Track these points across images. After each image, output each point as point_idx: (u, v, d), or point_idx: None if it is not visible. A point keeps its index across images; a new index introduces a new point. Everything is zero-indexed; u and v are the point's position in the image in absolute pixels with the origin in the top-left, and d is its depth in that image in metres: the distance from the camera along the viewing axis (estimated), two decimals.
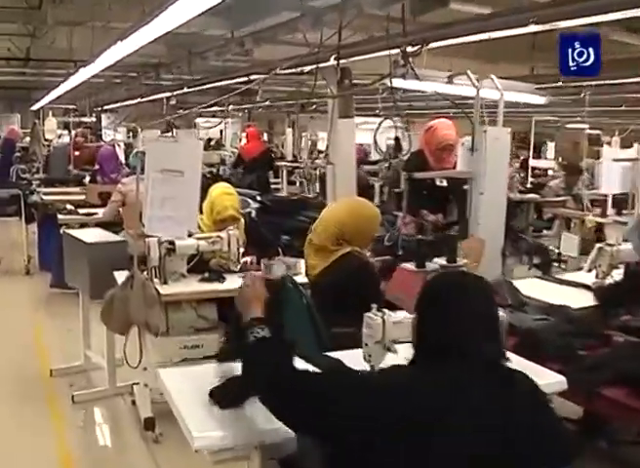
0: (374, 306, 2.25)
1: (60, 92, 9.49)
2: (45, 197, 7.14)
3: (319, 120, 13.16)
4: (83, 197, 6.96)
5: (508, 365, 1.65)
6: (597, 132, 13.92)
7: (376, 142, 4.61)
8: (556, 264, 5.96)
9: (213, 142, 13.07)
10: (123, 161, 7.82)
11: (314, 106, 11.33)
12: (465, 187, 4.64)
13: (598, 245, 3.86)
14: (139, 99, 10.58)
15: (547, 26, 4.07)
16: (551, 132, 16.91)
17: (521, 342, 2.79)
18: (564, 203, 7.70)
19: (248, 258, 3.88)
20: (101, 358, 4.26)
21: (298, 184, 12.72)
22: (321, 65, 4.99)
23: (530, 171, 10.46)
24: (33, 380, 4.38)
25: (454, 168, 5.01)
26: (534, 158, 11.22)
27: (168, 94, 9.42)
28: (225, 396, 2.09)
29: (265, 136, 16.88)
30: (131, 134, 14.63)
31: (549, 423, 1.61)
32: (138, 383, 3.80)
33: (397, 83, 4.59)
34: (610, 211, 6.98)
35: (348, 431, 1.54)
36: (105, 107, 12.93)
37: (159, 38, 5.01)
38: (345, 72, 5.15)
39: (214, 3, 3.70)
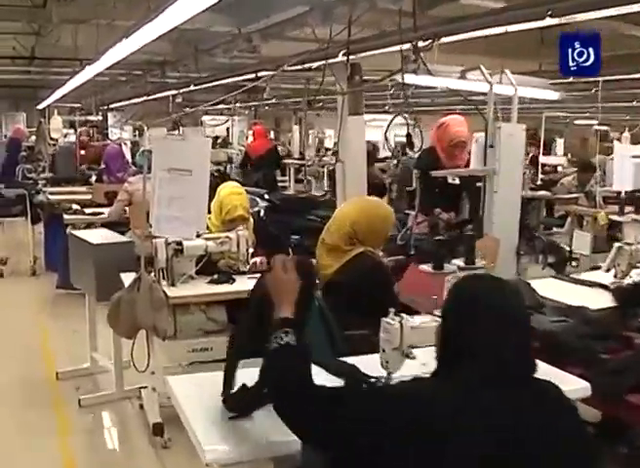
0: (391, 310, 2.16)
1: (65, 90, 9.42)
2: (51, 197, 7.07)
3: (326, 117, 13.09)
4: (89, 196, 6.90)
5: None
6: (606, 128, 13.80)
7: (387, 139, 4.48)
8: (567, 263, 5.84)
9: (220, 140, 12.99)
10: (129, 160, 7.74)
11: (321, 103, 11.24)
12: (479, 185, 4.56)
13: (617, 244, 3.76)
14: (145, 97, 10.51)
15: (564, 19, 4.00)
16: (560, 128, 16.80)
17: (540, 345, 2.69)
18: (576, 200, 7.58)
19: (257, 259, 3.79)
20: (108, 360, 4.18)
21: (305, 182, 12.65)
22: (330, 61, 4.90)
23: (540, 167, 10.33)
24: (39, 383, 4.31)
25: (466, 165, 4.93)
26: (543, 154, 11.09)
27: (174, 91, 9.35)
28: (239, 404, 2.01)
29: (272, 134, 16.79)
30: (137, 132, 14.60)
31: (567, 425, 1.54)
32: (145, 387, 3.72)
33: (409, 79, 4.50)
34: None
35: (358, 434, 1.51)
36: (111, 106, 12.86)
37: (164, 35, 4.94)
38: (355, 68, 5.04)
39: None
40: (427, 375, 1.65)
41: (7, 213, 7.34)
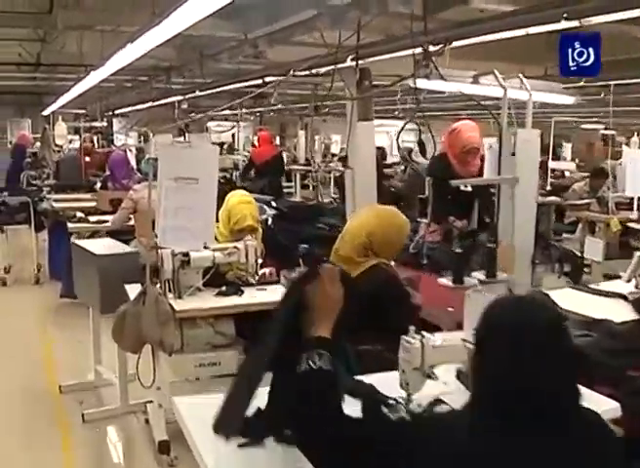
0: (411, 328, 2.04)
1: (70, 96, 9.35)
2: (55, 204, 6.98)
3: (332, 123, 12.99)
4: (94, 204, 6.80)
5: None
6: (612, 132, 13.65)
7: (399, 147, 4.36)
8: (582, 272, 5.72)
9: (225, 146, 12.90)
10: (134, 166, 7.64)
11: (327, 109, 11.14)
12: (493, 192, 4.44)
13: (638, 253, 3.63)
14: (150, 103, 10.43)
15: (578, 23, 3.89)
16: (565, 132, 16.68)
17: None
18: (588, 206, 7.47)
19: (266, 270, 3.68)
20: (113, 374, 4.07)
21: (311, 188, 12.54)
22: (339, 66, 4.79)
23: (549, 173, 10.20)
24: (42, 397, 4.20)
25: (479, 171, 4.82)
26: (552, 160, 10.97)
27: (179, 97, 9.26)
28: (252, 429, 1.89)
29: (278, 140, 16.70)
30: (142, 138, 14.53)
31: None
32: (151, 401, 3.61)
33: (420, 84, 4.39)
34: (635, 214, 6.76)
35: None
36: (117, 112, 12.79)
37: (170, 40, 4.86)
38: (365, 73, 4.94)
39: (224, 3, 3.54)
40: (458, 409, 1.51)
41: (11, 220, 7.26)
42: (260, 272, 3.59)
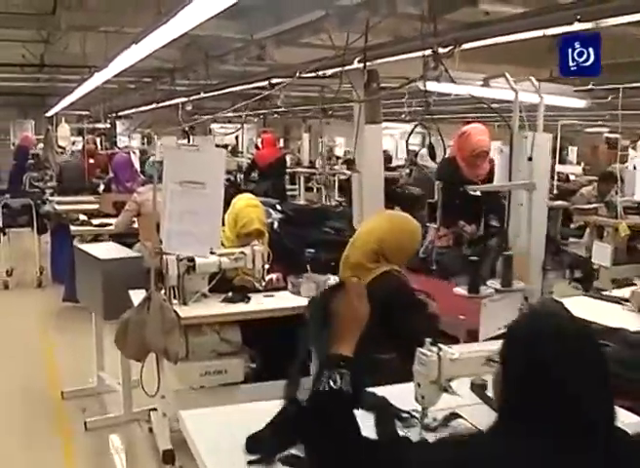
0: (428, 340, 1.96)
1: (73, 98, 9.29)
2: (58, 206, 6.91)
3: (335, 125, 12.92)
4: (97, 206, 6.72)
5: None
6: (617, 135, 13.56)
7: (408, 150, 4.28)
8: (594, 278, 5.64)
9: (229, 149, 12.84)
10: (138, 169, 7.58)
11: (331, 111, 11.08)
12: (502, 196, 4.37)
13: None
14: (153, 105, 10.36)
15: (591, 24, 3.82)
16: (569, 135, 16.61)
17: None
18: (596, 210, 7.39)
19: (273, 275, 3.61)
20: (116, 380, 4.00)
21: (315, 191, 12.47)
22: (347, 68, 4.72)
23: (556, 176, 10.12)
24: (44, 403, 4.13)
25: (488, 175, 4.75)
26: (558, 163, 10.89)
27: (183, 99, 9.19)
28: (263, 445, 1.81)
29: (282, 142, 16.65)
30: (145, 140, 14.46)
31: None
32: (155, 409, 3.53)
33: (430, 86, 4.32)
34: None
35: None
36: (120, 113, 12.73)
37: (175, 41, 4.79)
38: (372, 75, 4.87)
39: (230, 2, 3.47)
40: (482, 430, 1.42)
41: (13, 223, 7.20)
42: (267, 278, 3.51)
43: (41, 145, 10.80)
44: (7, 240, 7.28)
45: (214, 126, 13.40)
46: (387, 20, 4.59)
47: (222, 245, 3.61)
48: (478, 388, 2.33)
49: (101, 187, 7.70)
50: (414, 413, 2.06)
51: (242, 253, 3.37)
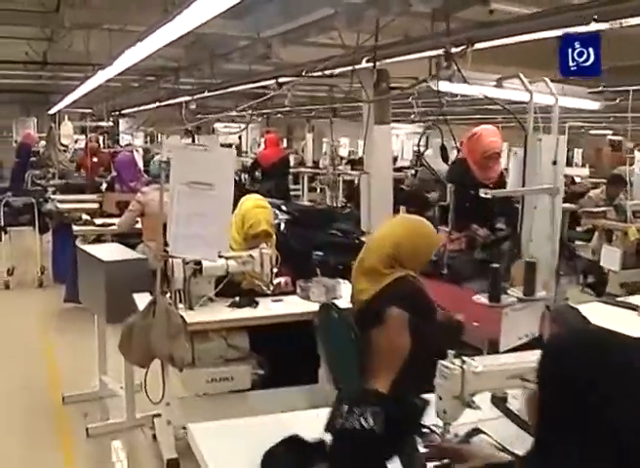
0: (450, 353, 1.86)
1: (76, 95, 9.21)
2: (60, 205, 6.82)
3: (339, 125, 12.82)
4: (97, 205, 6.63)
5: None
6: (620, 138, 13.49)
7: (419, 153, 4.19)
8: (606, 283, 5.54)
9: (233, 148, 12.74)
10: (142, 168, 7.48)
11: (334, 112, 10.99)
12: (514, 199, 4.28)
13: None
14: (157, 104, 10.27)
15: (608, 25, 3.73)
16: (574, 138, 16.52)
17: None
18: (605, 214, 7.29)
19: (282, 279, 3.51)
20: (118, 384, 3.90)
21: (318, 191, 12.39)
22: (357, 67, 4.62)
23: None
24: (44, 408, 4.03)
25: (499, 177, 4.67)
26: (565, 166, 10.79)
27: (187, 98, 9.10)
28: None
29: (285, 142, 16.56)
30: (148, 138, 14.37)
31: None
32: (159, 415, 3.43)
33: (442, 86, 4.23)
34: None
35: None
36: (123, 112, 12.64)
37: (180, 39, 4.71)
38: (382, 75, 4.77)
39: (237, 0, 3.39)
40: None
41: (14, 221, 7.10)
42: (276, 281, 3.42)
43: (43, 143, 10.72)
44: (8, 239, 7.19)
45: (217, 125, 13.30)
46: (397, 19, 4.50)
47: (230, 247, 3.52)
48: (499, 401, 2.24)
49: (104, 186, 7.60)
50: (434, 428, 1.97)
51: (250, 256, 3.28)
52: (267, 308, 3.25)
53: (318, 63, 5.31)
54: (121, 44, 5.82)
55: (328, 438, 1.41)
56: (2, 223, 7.04)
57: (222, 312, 3.17)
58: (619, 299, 3.95)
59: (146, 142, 14.02)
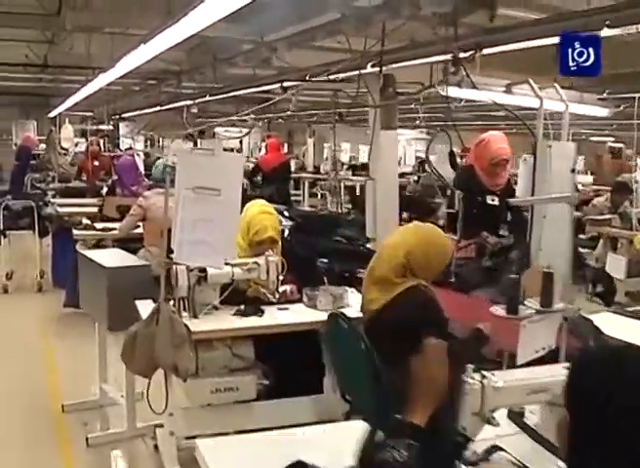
0: (469, 367, 1.79)
1: (77, 98, 9.16)
2: (60, 209, 6.75)
3: (340, 130, 12.76)
4: (96, 209, 6.54)
5: None
6: (620, 145, 13.47)
7: (428, 159, 4.12)
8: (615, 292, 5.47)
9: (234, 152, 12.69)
10: (143, 172, 7.42)
11: (337, 116, 10.93)
12: (523, 208, 4.22)
13: None
14: (158, 107, 10.22)
15: (619, 30, 3.68)
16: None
17: None
18: (610, 222, 7.24)
19: (287, 287, 3.43)
20: (119, 392, 3.82)
21: (319, 197, 12.34)
22: (364, 72, 4.56)
23: None
24: (43, 417, 3.95)
25: (507, 184, 4.61)
26: None
27: (189, 102, 9.04)
28: None
29: (285, 147, 16.52)
30: (149, 142, 14.32)
31: None
32: (161, 426, 3.35)
33: (444, 91, 4.18)
34: None
35: None
36: (123, 115, 12.59)
37: (183, 42, 4.66)
38: (389, 79, 4.72)
39: (244, 2, 3.34)
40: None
41: (14, 225, 7.02)
42: (281, 289, 3.34)
43: (43, 146, 10.66)
44: (7, 242, 7.11)
45: (218, 129, 13.25)
46: (402, 23, 4.45)
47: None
48: (516, 416, 2.17)
49: (104, 190, 7.53)
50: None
51: (255, 263, 3.21)
52: (273, 317, 3.17)
53: (323, 68, 5.26)
54: (123, 47, 5.78)
55: None
56: (1, 227, 6.96)
57: (228, 321, 3.09)
58: (629, 309, 3.90)
59: (146, 146, 13.95)
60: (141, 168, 7.33)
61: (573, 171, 3.46)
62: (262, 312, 3.18)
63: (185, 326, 2.86)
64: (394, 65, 4.74)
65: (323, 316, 3.11)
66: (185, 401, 3.07)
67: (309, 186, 12.53)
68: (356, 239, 4.90)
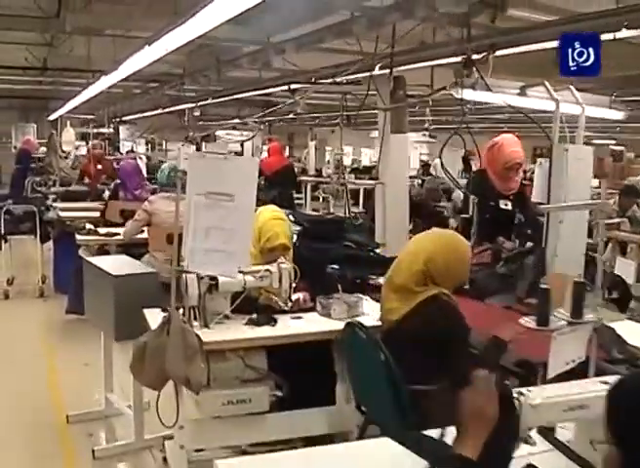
0: (507, 383, 1.70)
1: (78, 101, 9.07)
2: (62, 213, 6.64)
3: (339, 133, 12.67)
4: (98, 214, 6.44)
5: None
6: (621, 148, 13.42)
7: (442, 164, 4.02)
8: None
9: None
10: (145, 175, 7.31)
11: (337, 119, 10.86)
12: (537, 212, 4.14)
13: None
14: (160, 110, 10.13)
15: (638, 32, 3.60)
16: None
17: None
18: (618, 225, 7.14)
19: (300, 295, 3.34)
20: (125, 402, 3.73)
21: (321, 200, 12.21)
22: (374, 74, 4.48)
23: None
24: (47, 428, 3.83)
25: (520, 188, 4.52)
26: None
27: (191, 104, 8.96)
28: None
29: (287, 150, 16.42)
30: (149, 145, 14.22)
31: None
32: (170, 437, 3.24)
33: (456, 94, 4.09)
34: None
35: None
36: (125, 118, 12.49)
37: (188, 44, 4.58)
38: (399, 82, 4.63)
39: (253, 3, 3.25)
40: None
41: (15, 230, 6.92)
42: (294, 297, 3.24)
43: (43, 149, 10.56)
44: (8, 247, 7.00)
45: (220, 132, 13.15)
46: (412, 26, 4.36)
47: None
48: (547, 432, 2.07)
49: (106, 194, 7.42)
50: None
51: (268, 270, 3.11)
52: (287, 326, 3.07)
53: (331, 70, 5.17)
54: (125, 49, 5.70)
55: None
56: (2, 231, 6.85)
57: (240, 330, 2.99)
58: None
59: (147, 150, 13.85)
60: (144, 171, 7.22)
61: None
62: (275, 321, 3.08)
63: (197, 336, 2.76)
64: (404, 67, 4.65)
65: (338, 325, 3.02)
66: (196, 413, 2.97)
67: (312, 189, 12.40)
68: (366, 244, 4.79)
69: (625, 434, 1.14)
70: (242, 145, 14.20)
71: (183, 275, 2.96)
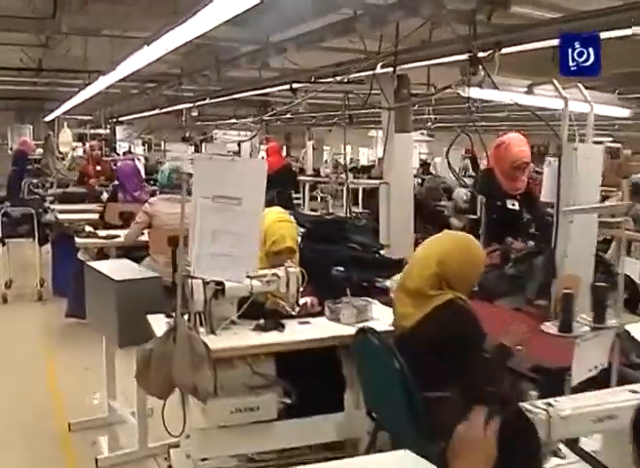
0: (532, 394, 1.63)
1: (75, 102, 8.99)
2: (60, 215, 6.56)
3: (337, 133, 12.61)
4: (97, 216, 6.35)
5: None
6: (617, 145, 13.38)
7: (449, 163, 3.96)
8: None
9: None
10: (144, 176, 7.23)
11: (335, 118, 10.80)
12: (546, 211, 4.08)
13: None
14: (157, 111, 10.04)
15: None
16: None
17: None
18: (622, 224, 7.09)
19: (307, 299, 3.26)
20: (129, 409, 3.65)
21: (319, 200, 12.15)
22: (377, 72, 4.40)
23: None
24: (49, 437, 3.74)
25: (527, 187, 4.47)
26: None
27: (189, 105, 8.88)
28: None
29: (284, 150, 16.35)
30: (146, 146, 14.12)
31: None
32: (176, 446, 3.16)
33: (462, 92, 4.03)
34: None
35: None
36: (121, 119, 12.41)
37: (187, 43, 4.52)
38: (403, 81, 4.56)
39: (252, 4, 3.20)
40: None
41: (13, 232, 6.83)
42: (301, 302, 3.17)
43: (40, 150, 10.47)
44: (6, 250, 6.91)
45: (217, 133, 13.08)
46: (415, 24, 4.30)
47: None
48: (571, 442, 2.01)
49: (105, 196, 7.35)
50: None
51: (275, 275, 3.03)
52: (295, 331, 3.00)
53: (332, 69, 5.10)
54: (122, 50, 5.64)
55: None
56: (0, 234, 6.76)
57: (247, 337, 2.91)
58: None
59: (144, 150, 13.74)
60: (142, 172, 7.13)
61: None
62: (283, 326, 3.00)
63: (204, 344, 2.68)
64: (407, 66, 4.58)
65: (347, 330, 2.95)
66: (203, 421, 2.89)
67: (310, 189, 12.35)
68: (370, 246, 4.72)
69: None
70: (239, 145, 14.14)
71: (189, 280, 2.89)
